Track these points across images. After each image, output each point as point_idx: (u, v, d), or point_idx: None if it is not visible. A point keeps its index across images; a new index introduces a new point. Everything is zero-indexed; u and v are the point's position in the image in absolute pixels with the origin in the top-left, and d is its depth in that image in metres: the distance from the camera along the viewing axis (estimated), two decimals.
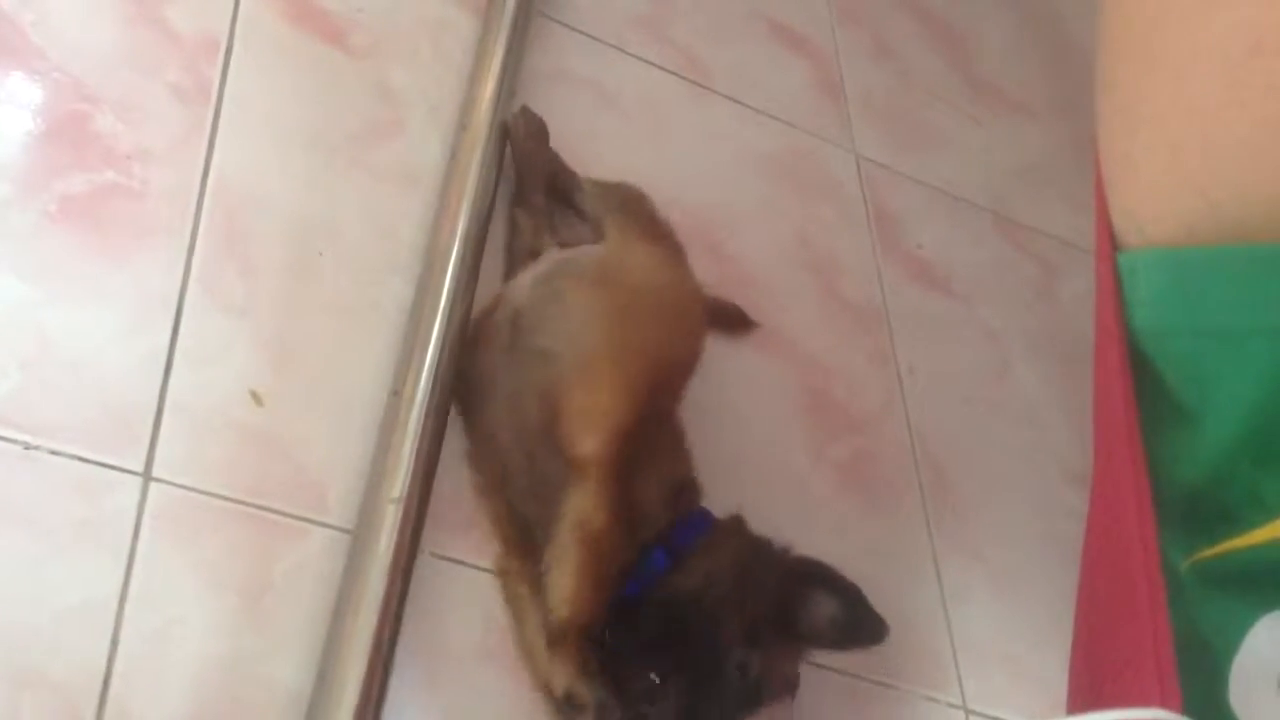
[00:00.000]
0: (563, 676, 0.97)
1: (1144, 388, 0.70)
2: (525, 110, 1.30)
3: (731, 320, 1.33)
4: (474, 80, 1.30)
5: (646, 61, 1.49)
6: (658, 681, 0.97)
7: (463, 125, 1.26)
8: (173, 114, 1.12)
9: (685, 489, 1.10)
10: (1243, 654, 0.69)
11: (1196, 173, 0.68)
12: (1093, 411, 0.76)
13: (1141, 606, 0.67)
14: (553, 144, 1.29)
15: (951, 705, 1.22)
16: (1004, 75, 1.86)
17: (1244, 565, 0.69)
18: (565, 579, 0.98)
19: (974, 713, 1.22)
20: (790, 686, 1.04)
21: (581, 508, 1.00)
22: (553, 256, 1.17)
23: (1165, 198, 0.70)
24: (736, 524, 1.08)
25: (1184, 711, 0.64)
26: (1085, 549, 0.77)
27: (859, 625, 1.03)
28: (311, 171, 1.17)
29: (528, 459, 1.04)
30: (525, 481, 1.05)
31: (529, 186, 1.25)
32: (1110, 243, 0.73)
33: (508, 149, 1.27)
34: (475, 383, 1.10)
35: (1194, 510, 0.70)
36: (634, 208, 1.26)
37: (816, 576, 1.04)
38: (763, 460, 1.27)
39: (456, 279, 1.14)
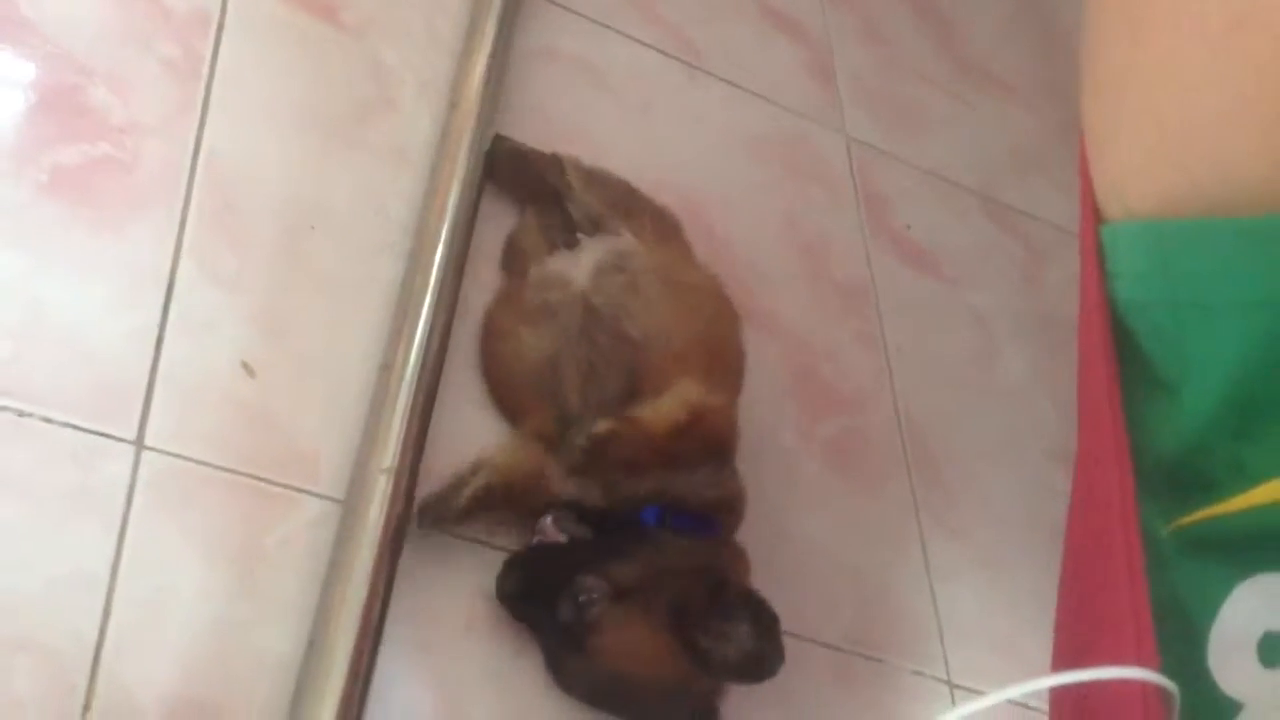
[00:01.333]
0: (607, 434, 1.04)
1: (1126, 359, 0.71)
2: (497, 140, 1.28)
3: None
4: (465, 58, 1.30)
5: (637, 41, 1.49)
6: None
7: (453, 103, 1.27)
8: (165, 88, 1.12)
9: (730, 508, 1.11)
10: (1222, 619, 0.70)
11: (1178, 147, 0.69)
12: (1077, 383, 0.77)
13: (1119, 571, 0.68)
14: (544, 123, 1.30)
15: (936, 679, 1.23)
16: (993, 59, 1.87)
17: (1224, 532, 0.70)
18: (659, 412, 1.04)
19: (958, 687, 1.23)
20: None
21: (697, 398, 1.06)
22: (601, 246, 1.17)
23: (1148, 171, 0.71)
24: (737, 550, 1.09)
25: (1162, 674, 0.65)
26: (1069, 517, 0.78)
27: (757, 662, 0.98)
28: (302, 147, 1.18)
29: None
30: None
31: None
32: (1094, 215, 0.73)
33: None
34: (531, 351, 1.11)
35: (1175, 478, 0.71)
36: (640, 205, 1.26)
37: (753, 609, 0.99)
38: (751, 437, 1.27)
39: (447, 256, 1.14)
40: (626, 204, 1.24)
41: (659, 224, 1.24)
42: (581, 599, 0.98)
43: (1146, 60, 0.70)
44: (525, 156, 1.26)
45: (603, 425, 1.04)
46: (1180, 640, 0.70)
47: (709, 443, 1.08)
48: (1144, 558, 0.68)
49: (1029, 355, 1.56)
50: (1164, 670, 0.65)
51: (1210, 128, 0.67)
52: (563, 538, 1.03)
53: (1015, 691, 0.66)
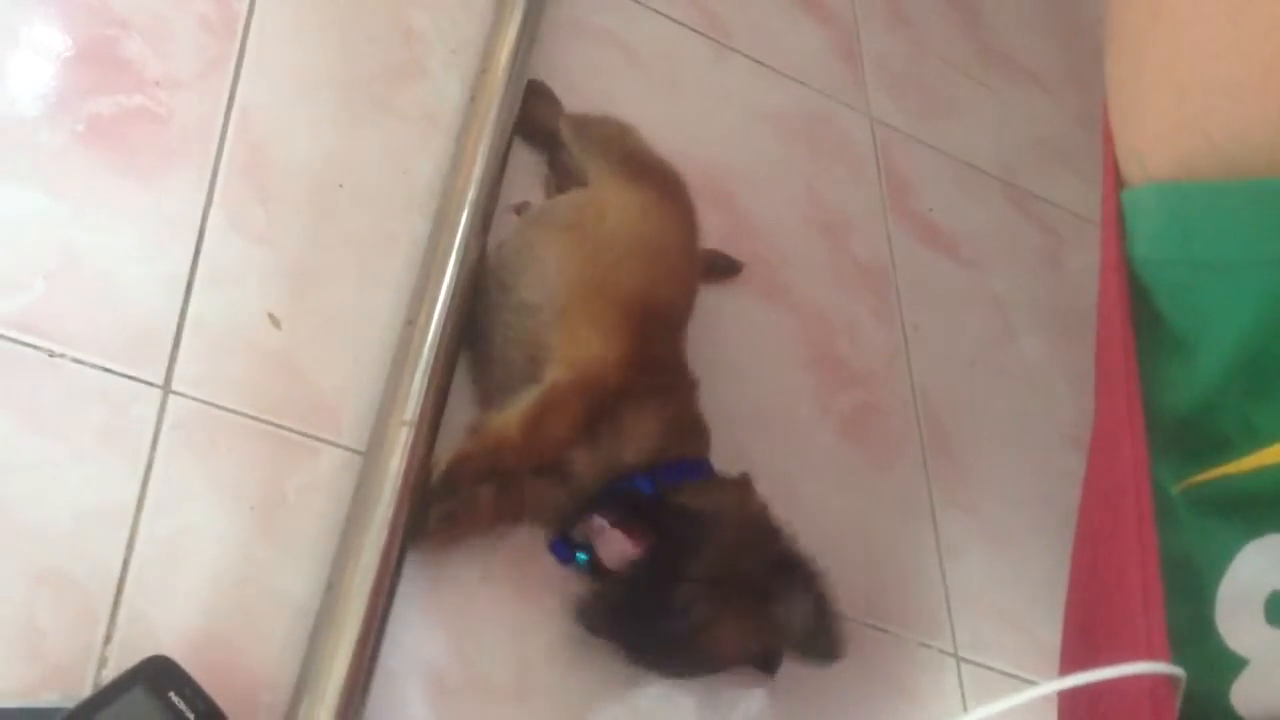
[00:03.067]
0: (455, 459, 1.00)
1: (1142, 320, 0.72)
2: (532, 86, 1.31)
3: (719, 267, 1.33)
4: (495, 27, 1.32)
5: (667, 17, 1.50)
6: (633, 549, 1.00)
7: (482, 70, 1.28)
8: (200, 44, 1.14)
9: (691, 432, 1.10)
10: (1230, 577, 0.71)
11: (1198, 113, 0.70)
12: (1095, 346, 0.78)
13: (1129, 527, 0.69)
14: (571, 94, 1.31)
15: (943, 652, 1.24)
16: (1018, 47, 1.88)
17: (1234, 491, 0.71)
18: (514, 410, 1.01)
19: (965, 660, 1.24)
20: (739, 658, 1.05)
21: (556, 379, 1.02)
22: (536, 207, 1.19)
23: (1168, 136, 0.72)
24: (743, 482, 1.08)
25: (1171, 630, 0.66)
26: (1086, 477, 0.79)
27: (823, 640, 1.02)
28: (333, 107, 1.19)
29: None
30: None
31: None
32: (1116, 181, 0.75)
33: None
34: (476, 333, 1.11)
35: (1187, 437, 0.72)
36: (615, 147, 1.22)
37: (805, 576, 1.02)
38: (767, 410, 1.29)
39: (472, 217, 1.15)
40: (626, 161, 1.20)
41: (637, 166, 1.20)
42: (686, 605, 0.99)
43: (1166, 28, 0.71)
44: (533, 106, 1.28)
45: (449, 451, 1.01)
46: (1188, 597, 0.71)
47: (590, 402, 1.03)
48: (1155, 515, 0.69)
49: (1046, 339, 1.56)
50: (1171, 627, 0.66)
51: (1228, 94, 0.68)
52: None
53: (1024, 698, 0.66)
